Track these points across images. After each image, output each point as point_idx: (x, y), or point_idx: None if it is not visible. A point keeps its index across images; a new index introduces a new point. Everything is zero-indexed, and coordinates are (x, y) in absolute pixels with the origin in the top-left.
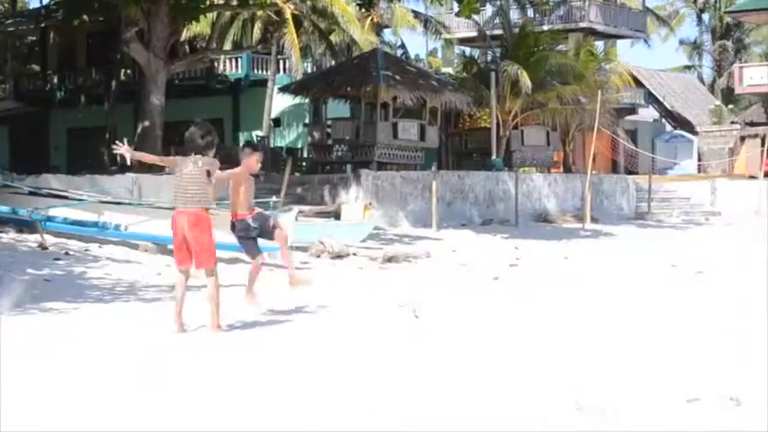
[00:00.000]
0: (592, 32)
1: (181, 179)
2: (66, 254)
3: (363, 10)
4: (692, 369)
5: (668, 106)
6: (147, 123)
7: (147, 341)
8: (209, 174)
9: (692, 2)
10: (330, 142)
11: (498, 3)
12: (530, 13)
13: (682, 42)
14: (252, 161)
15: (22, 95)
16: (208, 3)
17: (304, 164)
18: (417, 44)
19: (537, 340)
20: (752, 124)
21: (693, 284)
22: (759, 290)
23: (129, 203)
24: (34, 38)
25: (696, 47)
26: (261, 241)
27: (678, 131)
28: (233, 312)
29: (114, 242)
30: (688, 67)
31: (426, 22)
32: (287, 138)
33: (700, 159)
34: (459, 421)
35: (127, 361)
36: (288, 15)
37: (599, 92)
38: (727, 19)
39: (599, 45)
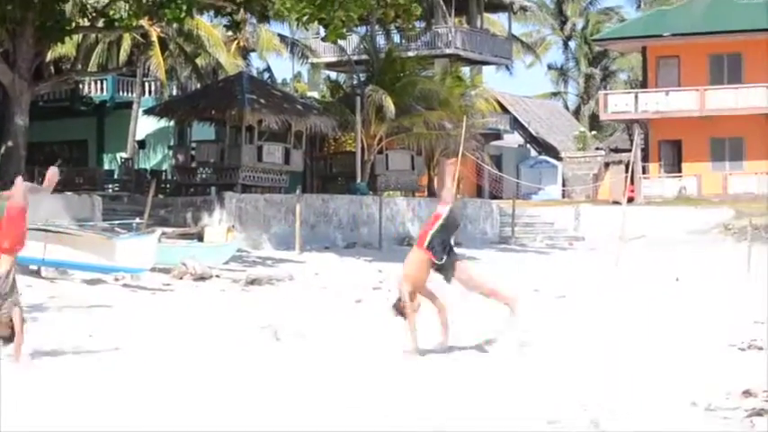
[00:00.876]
0: (458, 58)
1: None
2: None
3: (230, 33)
4: (551, 393)
5: (533, 132)
6: (10, 144)
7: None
8: None
9: (558, 29)
10: (194, 165)
11: (365, 28)
12: (396, 38)
13: (550, 67)
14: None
15: None
16: (73, 25)
17: (168, 186)
18: (284, 68)
19: (394, 361)
20: (616, 150)
21: (555, 308)
22: (619, 314)
23: None
24: None
25: (562, 73)
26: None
27: (543, 157)
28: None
29: None
30: (554, 94)
31: (293, 45)
32: (152, 160)
33: (564, 185)
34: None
35: None
36: (154, 38)
37: (464, 117)
38: (596, 47)
39: (465, 71)
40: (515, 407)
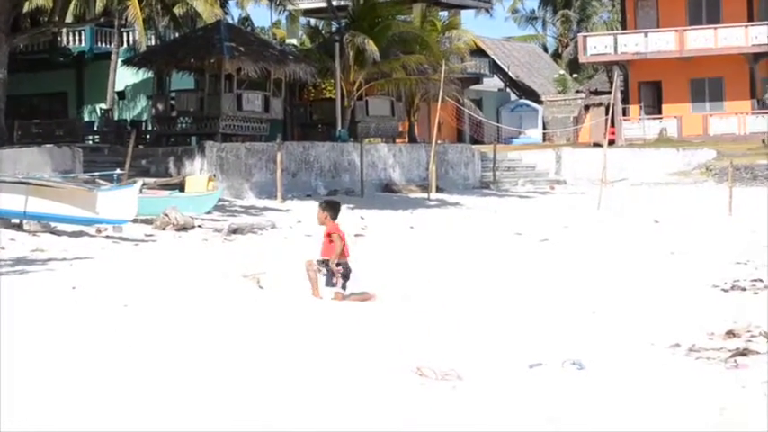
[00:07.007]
0: (435, 3)
1: None
2: None
3: None
4: (535, 334)
5: (513, 76)
6: None
7: None
8: None
9: None
10: (174, 114)
11: None
12: None
13: (518, 11)
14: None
15: None
16: None
17: (148, 136)
18: (262, 16)
19: (379, 309)
20: (596, 93)
21: (538, 252)
22: (601, 256)
23: None
24: None
25: (533, 18)
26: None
27: (523, 101)
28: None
29: None
30: (532, 37)
31: None
32: (132, 111)
33: (545, 128)
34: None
35: None
36: None
37: (443, 61)
38: None
39: (443, 15)
40: (495, 350)
